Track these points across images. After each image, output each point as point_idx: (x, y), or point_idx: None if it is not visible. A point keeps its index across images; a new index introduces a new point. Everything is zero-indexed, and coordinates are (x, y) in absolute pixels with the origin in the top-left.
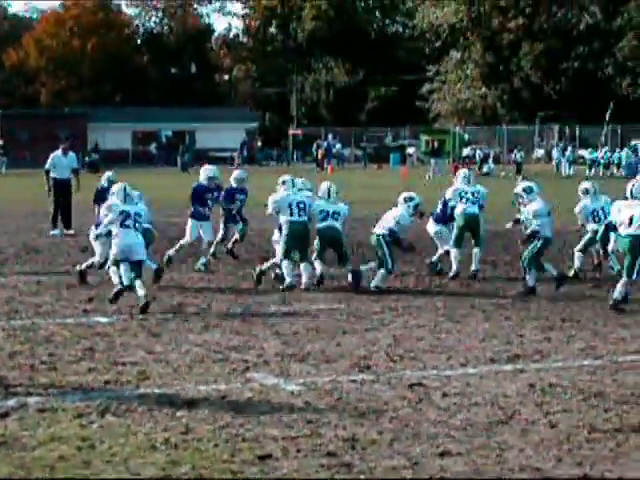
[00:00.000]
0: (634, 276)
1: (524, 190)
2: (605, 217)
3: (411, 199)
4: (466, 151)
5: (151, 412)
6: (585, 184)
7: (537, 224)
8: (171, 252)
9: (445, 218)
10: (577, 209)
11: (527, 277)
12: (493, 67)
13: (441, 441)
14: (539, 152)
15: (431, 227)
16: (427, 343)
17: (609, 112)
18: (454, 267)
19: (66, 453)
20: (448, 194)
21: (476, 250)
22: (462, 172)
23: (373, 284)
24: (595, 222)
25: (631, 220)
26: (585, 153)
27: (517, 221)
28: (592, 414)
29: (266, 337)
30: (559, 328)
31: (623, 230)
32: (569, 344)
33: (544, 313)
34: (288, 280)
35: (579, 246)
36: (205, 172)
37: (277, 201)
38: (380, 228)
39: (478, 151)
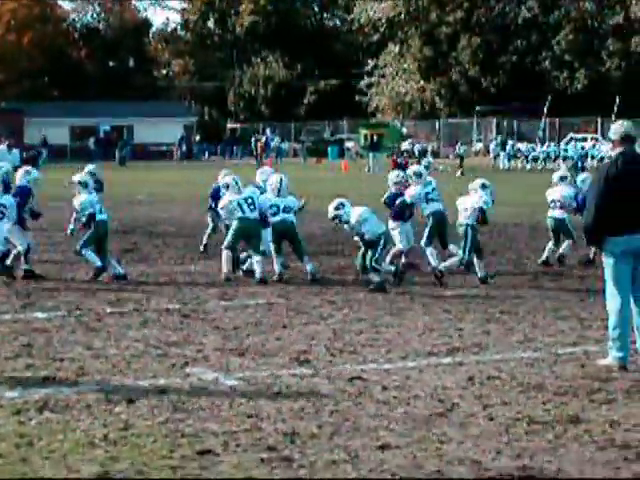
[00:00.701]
0: None
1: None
2: None
3: (487, 186)
4: (405, 145)
5: (90, 408)
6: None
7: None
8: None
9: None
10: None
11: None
12: (431, 61)
13: (381, 434)
14: (477, 146)
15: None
16: (366, 337)
17: (547, 106)
18: (433, 263)
19: (4, 450)
20: (409, 197)
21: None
22: (415, 169)
23: (442, 266)
24: None
25: None
26: (522, 147)
27: None
28: (531, 406)
29: (205, 332)
30: (498, 321)
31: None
32: (508, 336)
33: (483, 306)
34: (225, 271)
35: None
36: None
37: (226, 207)
38: (465, 217)
39: (417, 145)
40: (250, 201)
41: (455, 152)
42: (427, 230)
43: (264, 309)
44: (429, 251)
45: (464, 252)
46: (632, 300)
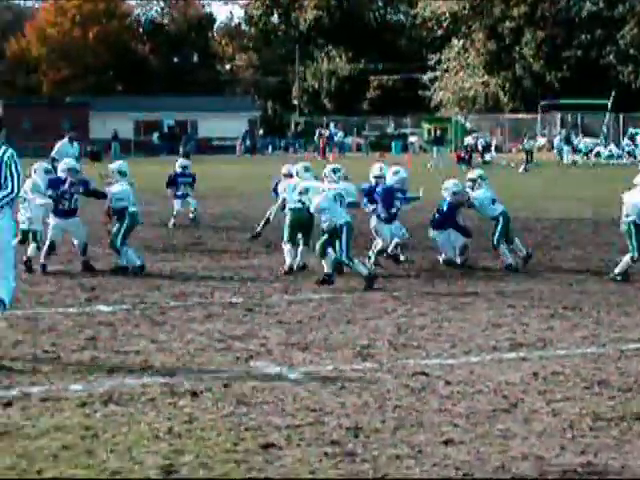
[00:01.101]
0: None
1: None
2: None
3: None
4: (468, 139)
5: (154, 401)
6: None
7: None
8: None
9: (443, 224)
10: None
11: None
12: (495, 55)
13: (444, 429)
14: (541, 141)
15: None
16: (430, 331)
17: (611, 100)
18: (509, 260)
19: (69, 442)
20: (474, 200)
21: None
22: (477, 174)
23: (617, 270)
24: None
25: None
26: (587, 142)
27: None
28: (595, 402)
29: (269, 326)
30: (562, 316)
31: None
32: (572, 332)
33: (547, 302)
34: (288, 262)
35: None
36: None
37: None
38: (629, 215)
39: (480, 140)
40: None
41: (522, 146)
42: (499, 229)
43: (328, 303)
44: (502, 248)
45: (634, 250)
46: None
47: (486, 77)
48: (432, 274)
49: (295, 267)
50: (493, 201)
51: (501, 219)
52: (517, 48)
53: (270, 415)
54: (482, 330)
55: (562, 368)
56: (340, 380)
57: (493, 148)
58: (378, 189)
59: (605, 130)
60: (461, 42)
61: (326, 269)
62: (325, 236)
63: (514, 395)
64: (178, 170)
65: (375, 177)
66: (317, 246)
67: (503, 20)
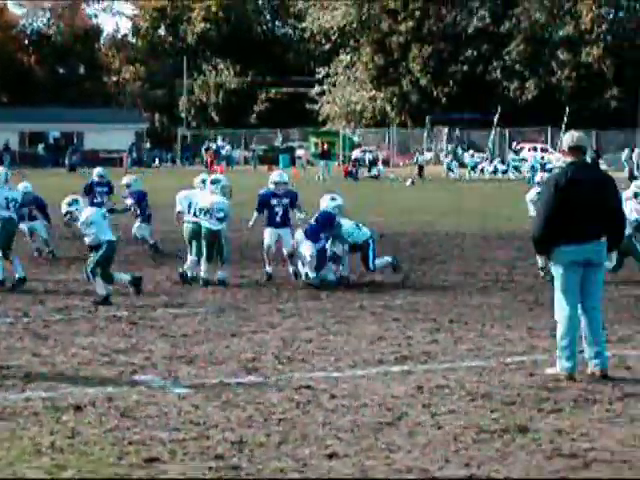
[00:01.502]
0: None
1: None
2: None
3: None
4: (355, 153)
5: (37, 416)
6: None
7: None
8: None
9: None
10: None
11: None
12: (382, 70)
13: (329, 443)
14: (428, 155)
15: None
16: (315, 345)
17: (497, 116)
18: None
19: None
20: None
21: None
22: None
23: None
24: None
25: None
26: (473, 157)
27: None
28: (479, 415)
29: (153, 340)
30: (447, 329)
31: None
32: (456, 345)
33: (432, 315)
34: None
35: None
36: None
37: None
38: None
39: (368, 154)
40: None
41: (413, 161)
42: (370, 252)
43: (213, 317)
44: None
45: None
46: (582, 310)
47: (374, 91)
48: (316, 288)
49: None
50: (358, 226)
51: (371, 242)
52: (404, 63)
53: (154, 429)
54: (368, 343)
55: (446, 381)
56: (225, 394)
57: (380, 162)
58: (318, 216)
59: (491, 145)
60: (349, 56)
61: (99, 290)
62: (96, 256)
63: (399, 408)
64: (95, 179)
65: (274, 183)
66: (87, 266)
67: (391, 35)
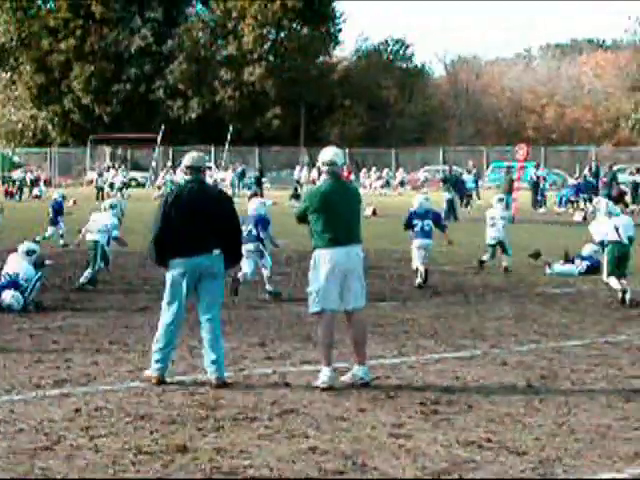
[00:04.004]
0: None
1: None
2: None
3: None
4: (17, 174)
5: None
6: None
7: None
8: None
9: None
10: None
11: None
12: (44, 88)
13: None
14: (90, 174)
15: None
16: None
17: (160, 134)
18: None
19: None
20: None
21: None
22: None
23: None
24: None
25: None
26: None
27: None
28: (139, 436)
29: None
30: (107, 351)
31: None
32: (117, 366)
33: (93, 336)
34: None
35: None
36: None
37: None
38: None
39: (29, 174)
40: None
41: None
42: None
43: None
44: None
45: None
46: (202, 320)
47: (35, 110)
48: None
49: None
50: None
51: None
52: (66, 82)
53: None
54: (25, 367)
55: (106, 403)
56: None
57: (42, 182)
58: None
59: (154, 164)
60: (9, 74)
61: None
62: None
63: (56, 432)
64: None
65: None
66: None
67: (52, 53)
